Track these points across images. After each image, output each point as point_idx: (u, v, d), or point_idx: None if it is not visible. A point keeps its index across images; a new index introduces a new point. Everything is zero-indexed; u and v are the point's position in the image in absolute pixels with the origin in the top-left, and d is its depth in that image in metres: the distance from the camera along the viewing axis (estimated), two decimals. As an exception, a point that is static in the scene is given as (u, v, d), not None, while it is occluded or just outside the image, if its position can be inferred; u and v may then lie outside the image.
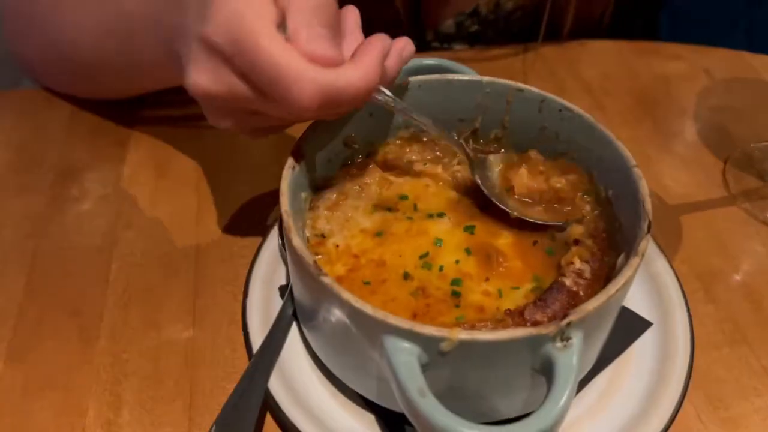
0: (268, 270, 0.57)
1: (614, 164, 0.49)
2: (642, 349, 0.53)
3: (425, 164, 0.57)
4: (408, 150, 0.58)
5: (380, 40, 0.45)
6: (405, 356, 0.38)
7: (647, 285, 0.57)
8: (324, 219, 0.51)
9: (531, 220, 0.51)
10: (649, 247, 0.59)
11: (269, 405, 0.49)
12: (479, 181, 0.53)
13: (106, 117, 0.78)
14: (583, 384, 0.51)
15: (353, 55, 0.44)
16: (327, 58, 0.42)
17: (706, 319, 0.59)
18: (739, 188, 0.71)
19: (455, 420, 0.36)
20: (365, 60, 0.43)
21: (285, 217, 0.44)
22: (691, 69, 0.88)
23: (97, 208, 0.68)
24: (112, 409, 0.52)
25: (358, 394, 0.49)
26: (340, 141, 0.55)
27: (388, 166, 0.56)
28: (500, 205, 0.52)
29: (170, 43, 0.49)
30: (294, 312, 0.53)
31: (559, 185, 0.53)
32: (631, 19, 1.06)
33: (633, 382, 0.51)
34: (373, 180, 0.54)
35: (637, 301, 0.56)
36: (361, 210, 0.53)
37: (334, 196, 0.53)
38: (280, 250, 0.58)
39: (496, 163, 0.55)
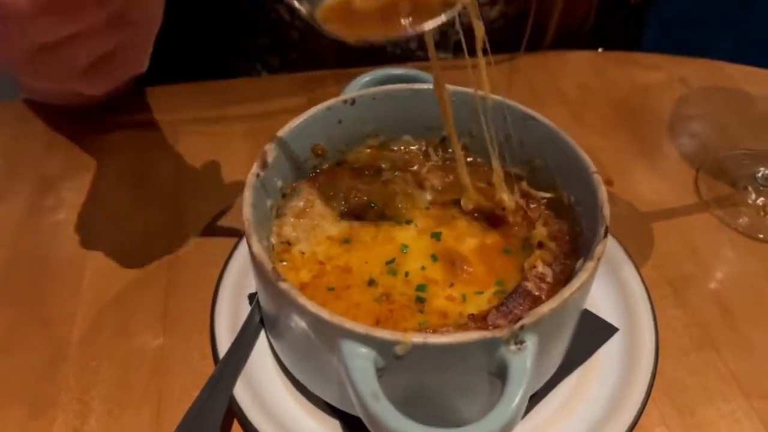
0: (238, 278, 0.58)
1: (575, 171, 0.50)
2: (608, 354, 0.53)
3: (395, 172, 0.57)
4: (378, 158, 0.58)
5: None
6: (360, 361, 0.38)
7: (614, 291, 0.57)
8: (290, 226, 0.52)
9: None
10: (616, 253, 0.60)
11: (234, 411, 0.49)
12: None
13: (84, 128, 0.78)
14: (548, 389, 0.51)
15: None
16: None
17: (675, 322, 0.59)
18: (711, 196, 0.71)
19: (407, 423, 0.36)
20: None
21: (246, 224, 0.45)
22: (668, 79, 0.89)
23: (72, 218, 0.68)
24: (79, 417, 0.52)
25: (323, 400, 0.49)
26: (309, 149, 0.55)
27: (357, 175, 0.57)
28: None
29: None
30: (262, 319, 0.53)
31: None
32: (614, 25, 1.07)
33: (598, 387, 0.51)
34: (342, 188, 0.55)
35: (603, 306, 0.56)
36: (329, 217, 0.53)
37: (302, 203, 0.53)
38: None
39: None
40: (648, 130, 0.81)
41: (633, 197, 0.71)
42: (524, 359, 0.39)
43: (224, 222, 0.67)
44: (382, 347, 0.38)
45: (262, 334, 0.53)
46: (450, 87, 0.55)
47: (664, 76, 0.90)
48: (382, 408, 0.36)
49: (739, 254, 0.66)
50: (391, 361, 0.39)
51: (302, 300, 0.40)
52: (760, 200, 0.70)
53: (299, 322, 0.41)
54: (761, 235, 0.67)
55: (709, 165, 0.75)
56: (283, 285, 0.41)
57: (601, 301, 0.56)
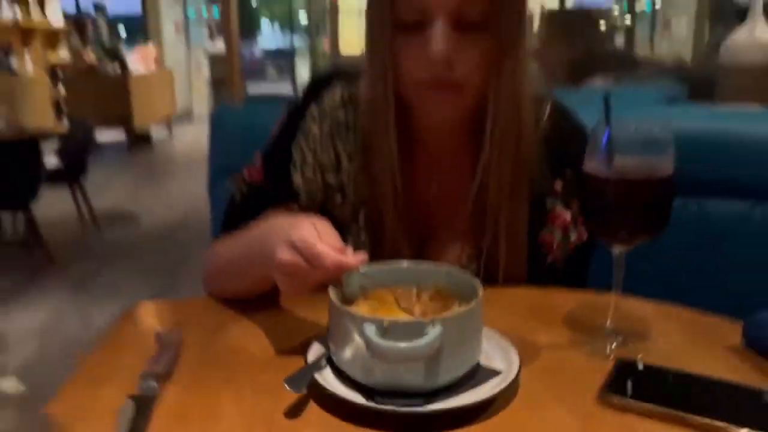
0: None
1: (469, 292, 1.12)
2: (494, 381, 1.08)
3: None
4: (389, 293, 1.22)
5: (360, 255, 1.11)
6: (370, 327, 0.99)
7: (503, 358, 1.14)
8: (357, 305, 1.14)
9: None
10: (509, 347, 1.18)
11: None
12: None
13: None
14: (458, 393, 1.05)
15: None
16: (338, 248, 1.09)
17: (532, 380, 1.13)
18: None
19: (391, 343, 0.95)
20: (351, 259, 1.11)
21: (332, 296, 1.09)
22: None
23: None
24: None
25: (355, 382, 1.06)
26: (358, 284, 1.20)
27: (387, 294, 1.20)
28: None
29: (263, 255, 1.20)
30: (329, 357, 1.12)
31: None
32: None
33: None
34: (376, 296, 1.19)
35: (495, 363, 1.12)
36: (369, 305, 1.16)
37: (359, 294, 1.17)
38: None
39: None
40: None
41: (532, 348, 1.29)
42: (436, 330, 0.98)
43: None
44: (378, 324, 0.99)
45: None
46: (423, 264, 1.22)
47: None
48: (382, 341, 0.96)
49: (593, 364, 1.21)
50: (384, 333, 0.99)
51: (351, 309, 1.02)
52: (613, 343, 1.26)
53: (346, 323, 1.03)
54: (609, 348, 1.21)
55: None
56: (343, 307, 1.04)
57: (494, 359, 1.13)
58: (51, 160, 6.89)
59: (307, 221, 1.18)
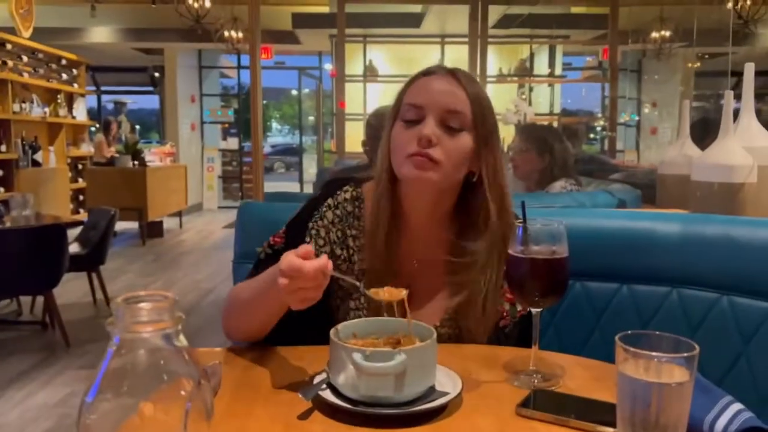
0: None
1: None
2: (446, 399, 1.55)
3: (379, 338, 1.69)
4: (374, 342, 1.70)
5: (326, 260, 1.65)
6: (358, 355, 1.47)
7: (453, 384, 1.61)
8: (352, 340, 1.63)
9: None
10: (457, 380, 1.66)
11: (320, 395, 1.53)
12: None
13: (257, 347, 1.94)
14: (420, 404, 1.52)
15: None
16: (311, 256, 1.62)
17: (472, 397, 1.60)
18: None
19: (369, 364, 1.44)
20: (323, 262, 1.62)
21: (333, 335, 1.58)
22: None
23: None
24: (266, 403, 1.57)
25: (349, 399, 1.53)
26: (351, 333, 1.69)
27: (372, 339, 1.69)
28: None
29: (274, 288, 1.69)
30: (328, 381, 1.59)
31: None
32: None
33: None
34: (365, 341, 1.67)
35: (447, 387, 1.59)
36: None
37: (353, 336, 1.65)
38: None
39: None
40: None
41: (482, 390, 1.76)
42: (402, 356, 1.46)
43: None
44: (363, 353, 1.47)
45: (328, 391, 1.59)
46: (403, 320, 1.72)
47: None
48: (365, 362, 1.44)
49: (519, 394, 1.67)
50: (366, 358, 1.47)
51: (345, 343, 1.51)
52: (535, 380, 1.73)
53: (341, 352, 1.51)
54: (532, 382, 1.69)
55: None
56: (340, 342, 1.52)
57: (446, 386, 1.60)
58: (72, 247, 7.43)
59: (290, 252, 1.66)
